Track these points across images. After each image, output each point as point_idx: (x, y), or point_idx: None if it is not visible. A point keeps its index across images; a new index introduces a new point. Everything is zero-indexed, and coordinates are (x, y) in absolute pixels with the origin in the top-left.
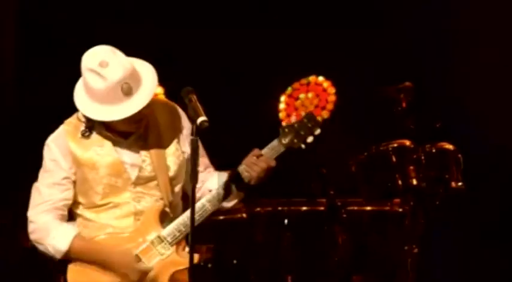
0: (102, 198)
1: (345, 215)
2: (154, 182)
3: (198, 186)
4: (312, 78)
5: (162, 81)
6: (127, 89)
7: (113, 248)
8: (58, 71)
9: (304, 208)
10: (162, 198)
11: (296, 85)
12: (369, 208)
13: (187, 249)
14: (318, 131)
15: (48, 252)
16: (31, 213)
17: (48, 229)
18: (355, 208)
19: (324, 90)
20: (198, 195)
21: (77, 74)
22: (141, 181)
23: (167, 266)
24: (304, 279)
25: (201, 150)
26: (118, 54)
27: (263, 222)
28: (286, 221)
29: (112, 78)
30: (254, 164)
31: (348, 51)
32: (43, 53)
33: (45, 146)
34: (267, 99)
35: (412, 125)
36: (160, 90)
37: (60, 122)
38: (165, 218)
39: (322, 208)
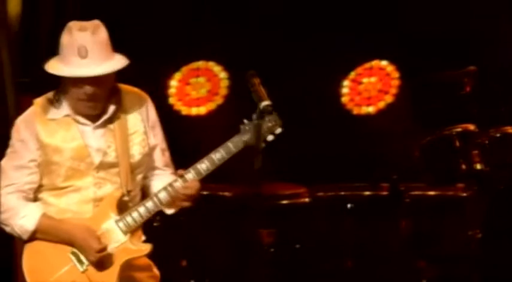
0: (64, 181)
1: (407, 200)
2: (117, 169)
3: (145, 181)
4: (375, 62)
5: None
6: (83, 53)
7: (78, 225)
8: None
9: (367, 193)
10: (121, 186)
11: (359, 69)
12: (432, 193)
13: (143, 238)
14: (278, 130)
15: (14, 233)
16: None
17: (15, 209)
18: (418, 193)
19: (387, 74)
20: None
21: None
22: (104, 166)
23: (119, 254)
24: (366, 264)
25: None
26: (101, 30)
27: (325, 207)
28: (348, 205)
29: (76, 37)
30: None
31: (410, 36)
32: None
33: (14, 125)
34: (329, 83)
35: (476, 109)
36: (224, 74)
37: None
38: (122, 207)
39: (384, 193)
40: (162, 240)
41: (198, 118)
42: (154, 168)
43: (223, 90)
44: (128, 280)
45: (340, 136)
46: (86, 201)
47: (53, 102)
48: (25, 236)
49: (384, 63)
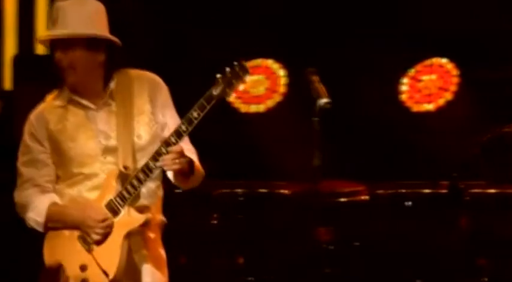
0: (75, 169)
1: (467, 198)
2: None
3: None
4: (435, 60)
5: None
6: (54, 18)
7: (79, 204)
8: (191, 80)
9: (427, 191)
10: (117, 164)
11: (419, 67)
12: (491, 191)
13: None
14: (247, 78)
15: (31, 227)
16: (15, 195)
17: (28, 204)
18: (478, 191)
19: (447, 72)
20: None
21: (207, 83)
22: (109, 150)
23: (118, 228)
24: (425, 262)
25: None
26: (88, 3)
27: (385, 204)
28: (408, 203)
29: (56, 5)
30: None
31: (471, 33)
32: (178, 61)
33: (27, 120)
34: (388, 81)
35: None
36: (283, 72)
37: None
38: (123, 182)
39: (444, 191)
40: (219, 237)
41: (257, 115)
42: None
43: (282, 88)
44: (134, 257)
45: (400, 134)
46: (97, 187)
47: (59, 90)
48: (40, 228)
49: (444, 60)
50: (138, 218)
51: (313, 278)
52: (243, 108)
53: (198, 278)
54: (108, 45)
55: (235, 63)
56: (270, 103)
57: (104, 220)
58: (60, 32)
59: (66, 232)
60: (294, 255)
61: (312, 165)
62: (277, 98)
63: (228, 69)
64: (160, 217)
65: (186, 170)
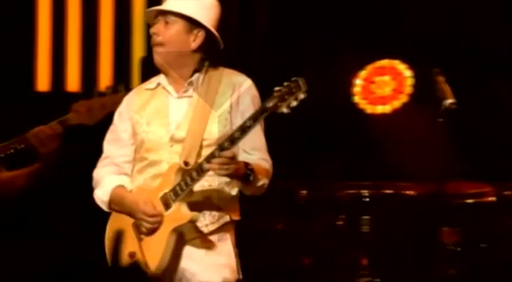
0: (144, 154)
1: None
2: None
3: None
4: None
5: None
6: None
7: (137, 194)
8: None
9: None
10: (180, 157)
11: None
12: None
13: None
14: (301, 96)
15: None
16: (94, 170)
17: (100, 181)
18: None
19: None
20: None
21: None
22: (176, 140)
23: (166, 223)
24: None
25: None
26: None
27: None
28: None
29: None
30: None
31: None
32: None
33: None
34: None
35: None
36: (409, 73)
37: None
38: (180, 176)
39: None
40: (344, 238)
41: (383, 116)
42: (240, 150)
43: (408, 89)
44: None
45: None
46: (159, 176)
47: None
48: (104, 207)
49: None
50: (186, 215)
51: (438, 280)
52: (369, 109)
53: (323, 279)
54: (207, 38)
55: (293, 79)
56: (396, 104)
57: (153, 215)
58: (164, 6)
59: (127, 217)
60: (419, 257)
61: (437, 166)
62: (403, 99)
63: (285, 84)
64: (232, 216)
65: (234, 176)
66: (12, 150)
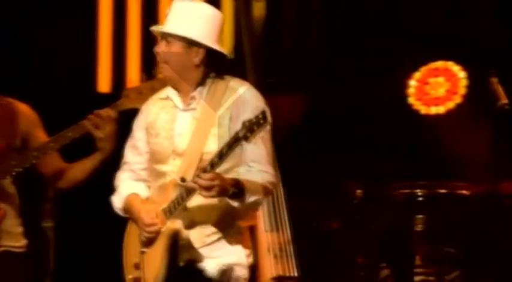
0: (153, 164)
1: None
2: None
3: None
4: None
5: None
6: (167, 13)
7: (142, 205)
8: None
9: None
10: (178, 173)
11: None
12: None
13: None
14: (268, 127)
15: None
16: (117, 173)
17: (116, 187)
18: None
19: None
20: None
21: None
22: (178, 153)
23: (164, 237)
24: None
25: (255, 146)
26: (204, 7)
27: None
28: None
29: (175, 1)
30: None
31: None
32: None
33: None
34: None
35: None
36: (463, 74)
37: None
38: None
39: None
40: (397, 238)
41: (437, 117)
42: (242, 162)
43: (462, 90)
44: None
45: None
46: (163, 187)
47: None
48: (120, 213)
49: None
50: (180, 230)
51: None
52: (424, 110)
53: (379, 277)
54: (210, 51)
55: (260, 112)
56: (450, 105)
57: (149, 225)
58: (161, 27)
59: (135, 226)
60: (472, 255)
61: (491, 166)
62: (457, 100)
63: (253, 116)
64: (240, 223)
65: (219, 196)
66: (68, 141)
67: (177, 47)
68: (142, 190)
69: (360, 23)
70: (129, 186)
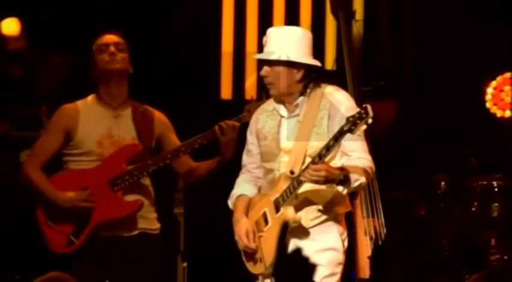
0: (263, 163)
1: None
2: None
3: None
4: None
5: None
6: (265, 40)
7: (239, 218)
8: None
9: None
10: (287, 167)
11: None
12: None
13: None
14: (369, 121)
15: None
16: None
17: (234, 187)
18: None
19: None
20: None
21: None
22: (286, 152)
23: (277, 223)
24: None
25: (352, 140)
26: (296, 32)
27: None
28: None
29: (269, 29)
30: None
31: None
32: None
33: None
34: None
35: None
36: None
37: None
38: (287, 183)
39: None
40: (476, 222)
41: (511, 119)
42: (341, 153)
43: None
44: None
45: None
46: (272, 182)
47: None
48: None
49: None
50: (291, 216)
51: None
52: (499, 113)
53: (460, 256)
54: (307, 65)
55: (363, 106)
56: None
57: (237, 240)
58: (263, 55)
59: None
60: None
61: None
62: None
63: (357, 111)
64: (338, 210)
65: (326, 182)
66: (196, 146)
67: (279, 69)
68: (250, 190)
69: (446, 37)
70: (241, 188)
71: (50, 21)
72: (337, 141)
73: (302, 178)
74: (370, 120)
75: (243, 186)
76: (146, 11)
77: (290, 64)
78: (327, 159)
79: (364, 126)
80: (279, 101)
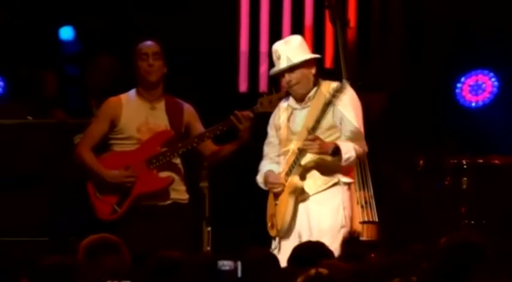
0: (282, 148)
1: None
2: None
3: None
4: None
5: None
6: (276, 57)
7: (271, 174)
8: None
9: None
10: (295, 145)
11: None
12: None
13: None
14: (346, 92)
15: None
16: (260, 164)
17: (259, 170)
18: None
19: None
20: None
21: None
22: (295, 134)
23: (287, 190)
24: None
25: (348, 121)
26: (292, 40)
27: None
28: None
29: (273, 47)
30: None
31: None
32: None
33: None
34: None
35: None
36: None
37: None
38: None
39: None
40: (448, 194)
41: None
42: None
43: None
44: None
45: None
46: (286, 159)
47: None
48: (262, 186)
49: None
50: (297, 183)
51: None
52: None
53: (435, 221)
54: (315, 61)
55: (341, 82)
56: None
57: (273, 183)
58: (282, 67)
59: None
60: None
61: None
62: None
63: (336, 86)
64: (341, 178)
65: (322, 153)
66: (218, 132)
67: (299, 71)
68: (275, 168)
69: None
70: (266, 167)
71: (100, 29)
72: (323, 113)
73: (300, 147)
74: (348, 92)
75: (268, 166)
76: (173, 13)
77: (305, 64)
78: (332, 138)
79: (345, 97)
80: (293, 97)
